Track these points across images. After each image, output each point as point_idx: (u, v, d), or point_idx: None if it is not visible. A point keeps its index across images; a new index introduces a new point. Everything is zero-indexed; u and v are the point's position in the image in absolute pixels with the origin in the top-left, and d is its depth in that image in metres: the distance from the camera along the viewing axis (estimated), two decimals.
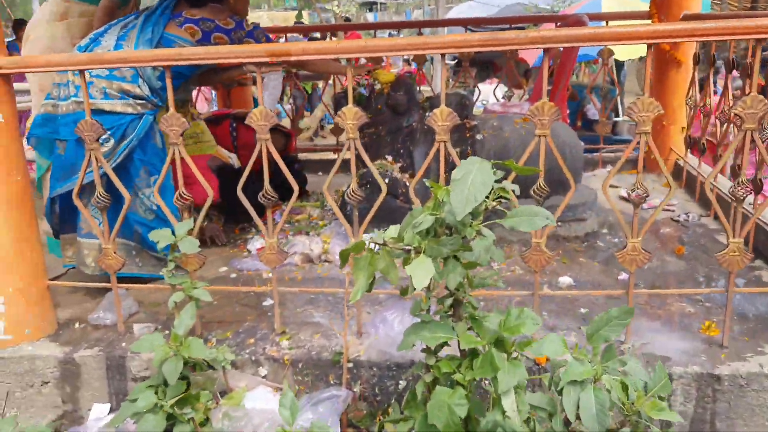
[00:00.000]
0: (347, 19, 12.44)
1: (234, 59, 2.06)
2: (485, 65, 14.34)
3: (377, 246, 1.51)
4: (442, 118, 2.01)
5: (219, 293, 2.57)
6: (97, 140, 2.18)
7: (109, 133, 2.52)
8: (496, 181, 1.46)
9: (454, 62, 15.94)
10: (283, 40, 5.29)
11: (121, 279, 2.71)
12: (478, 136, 3.12)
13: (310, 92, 8.27)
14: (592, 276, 2.72)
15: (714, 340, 2.12)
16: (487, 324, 1.56)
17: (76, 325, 2.49)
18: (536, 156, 2.04)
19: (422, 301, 1.60)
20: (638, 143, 1.96)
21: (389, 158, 3.23)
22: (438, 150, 2.06)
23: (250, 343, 2.26)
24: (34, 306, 2.35)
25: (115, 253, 2.31)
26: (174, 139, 2.14)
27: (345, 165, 3.13)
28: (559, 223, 3.11)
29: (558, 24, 4.16)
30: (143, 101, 2.58)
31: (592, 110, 7.72)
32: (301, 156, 4.85)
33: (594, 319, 1.37)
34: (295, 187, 2.17)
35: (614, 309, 1.35)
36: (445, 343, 1.57)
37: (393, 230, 1.54)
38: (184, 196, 2.21)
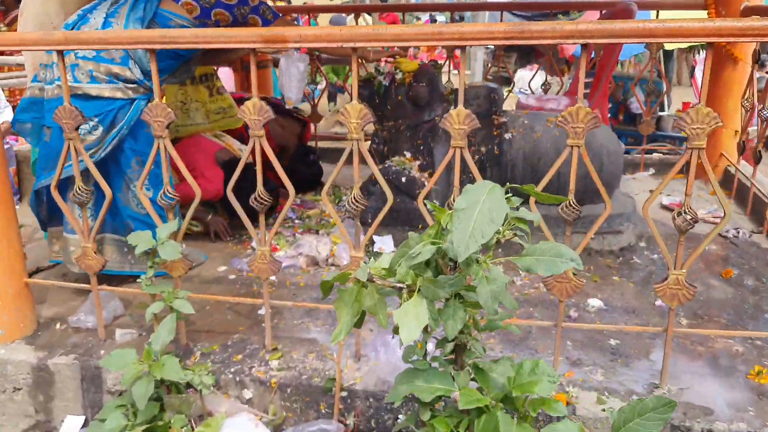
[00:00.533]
0: None
1: (225, 44, 1.82)
2: (526, 50, 13.85)
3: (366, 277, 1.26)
4: (458, 121, 1.74)
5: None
6: (77, 129, 1.97)
7: (97, 120, 2.31)
8: (513, 208, 1.20)
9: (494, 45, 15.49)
10: (310, 21, 5.03)
11: (114, 277, 2.53)
12: (507, 135, 2.83)
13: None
14: (626, 299, 2.42)
15: (764, 391, 1.82)
16: (494, 375, 1.30)
17: (58, 325, 2.31)
18: (569, 163, 1.77)
19: (416, 345, 1.35)
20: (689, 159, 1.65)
21: (408, 155, 2.96)
22: (454, 156, 1.79)
23: (236, 360, 2.04)
24: (9, 305, 2.17)
25: (96, 252, 2.10)
26: (159, 132, 1.91)
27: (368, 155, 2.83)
28: (592, 236, 2.81)
29: (603, 12, 3.82)
30: (134, 85, 2.36)
31: (636, 103, 7.28)
32: (321, 145, 4.61)
33: (622, 407, 1.10)
34: (291, 192, 1.93)
35: (651, 398, 1.07)
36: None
37: (385, 260, 1.28)
38: (170, 195, 1.99)
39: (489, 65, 15.68)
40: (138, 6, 2.34)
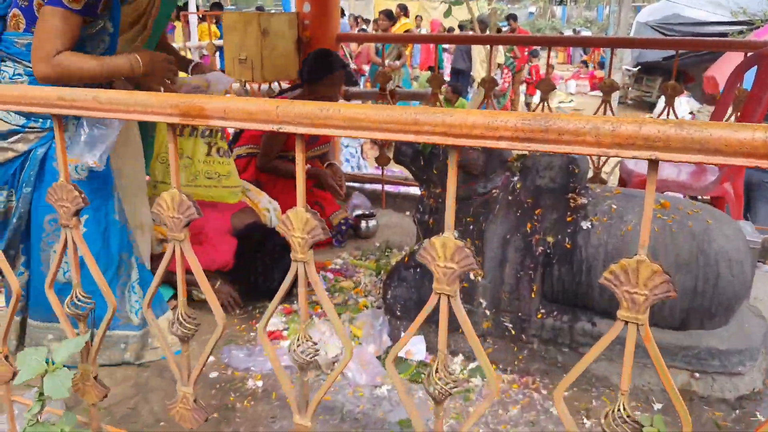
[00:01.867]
0: (513, 17, 11.16)
1: (140, 114, 1.29)
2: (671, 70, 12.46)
3: None
4: (444, 257, 1.11)
5: None
6: None
7: (7, 188, 1.97)
8: None
9: (636, 68, 14.12)
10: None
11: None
12: (584, 224, 2.09)
13: None
14: None
15: None
16: None
17: None
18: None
19: None
20: None
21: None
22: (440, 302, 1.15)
23: None
24: None
25: (7, 358, 1.66)
26: (65, 221, 1.43)
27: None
28: (697, 374, 2.01)
29: (747, 54, 2.93)
30: (18, 135, 1.94)
31: None
32: (389, 189, 4.04)
33: None
34: (220, 319, 1.37)
35: None
36: None
37: None
38: (80, 301, 1.50)
39: (629, 88, 14.34)
40: None
